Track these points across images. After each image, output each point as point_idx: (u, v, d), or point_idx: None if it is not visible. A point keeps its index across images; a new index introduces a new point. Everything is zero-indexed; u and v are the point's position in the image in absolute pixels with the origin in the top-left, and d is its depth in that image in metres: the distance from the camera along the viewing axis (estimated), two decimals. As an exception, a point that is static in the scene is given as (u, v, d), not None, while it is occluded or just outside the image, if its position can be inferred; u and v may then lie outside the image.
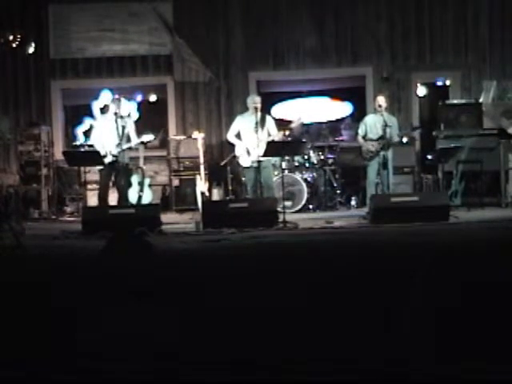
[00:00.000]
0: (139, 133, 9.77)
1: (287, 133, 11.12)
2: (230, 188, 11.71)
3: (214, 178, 11.99)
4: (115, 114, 9.61)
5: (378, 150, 9.74)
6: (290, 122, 11.75)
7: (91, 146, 9.99)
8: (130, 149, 9.67)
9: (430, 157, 10.90)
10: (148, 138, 9.69)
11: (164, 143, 12.93)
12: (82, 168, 10.06)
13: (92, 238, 7.95)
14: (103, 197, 9.68)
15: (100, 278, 5.03)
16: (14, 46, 10.68)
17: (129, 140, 9.51)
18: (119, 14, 13.01)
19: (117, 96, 10.37)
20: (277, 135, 9.77)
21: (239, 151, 9.76)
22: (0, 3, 12.64)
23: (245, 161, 9.70)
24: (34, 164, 12.23)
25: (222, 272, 5.34)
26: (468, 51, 12.94)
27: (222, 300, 4.20)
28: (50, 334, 3.53)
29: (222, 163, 11.55)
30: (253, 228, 8.45)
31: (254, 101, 9.70)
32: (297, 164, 11.53)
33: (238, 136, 9.81)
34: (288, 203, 10.44)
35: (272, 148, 9.21)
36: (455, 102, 12.30)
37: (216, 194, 11.91)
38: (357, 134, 10.36)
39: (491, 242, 6.81)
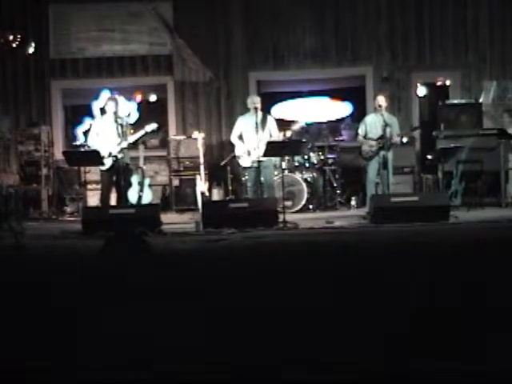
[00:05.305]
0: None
1: (288, 134, 11.13)
2: (230, 188, 11.72)
3: (214, 178, 11.99)
4: (114, 113, 9.63)
5: (378, 149, 9.74)
6: (290, 122, 11.78)
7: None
8: (129, 147, 9.69)
9: (429, 157, 10.90)
10: (151, 127, 9.73)
11: (164, 143, 12.94)
12: (82, 168, 10.07)
13: (92, 237, 7.95)
14: (106, 198, 9.69)
15: (100, 278, 5.03)
16: (14, 46, 10.68)
17: (126, 139, 9.54)
18: (119, 13, 13.01)
19: (113, 95, 10.40)
20: (278, 136, 9.79)
21: (239, 152, 9.77)
22: (0, 3, 12.64)
23: (245, 161, 9.71)
24: (34, 164, 12.23)
25: (222, 272, 5.34)
26: (468, 51, 12.94)
27: (222, 300, 4.20)
28: (50, 334, 3.53)
29: (222, 163, 11.55)
30: (253, 228, 8.45)
31: (254, 101, 9.70)
32: (297, 164, 11.53)
33: (241, 137, 9.82)
34: (288, 203, 10.44)
35: (272, 148, 9.21)
36: (455, 102, 12.30)
37: (216, 194, 11.91)
38: (357, 134, 10.38)
39: (491, 242, 6.81)
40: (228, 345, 3.26)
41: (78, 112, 12.76)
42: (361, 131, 10.13)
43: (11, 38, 10.57)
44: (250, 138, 9.62)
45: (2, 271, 5.82)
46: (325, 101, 13.18)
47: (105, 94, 11.32)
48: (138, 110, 12.16)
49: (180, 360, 3.05)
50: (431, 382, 2.73)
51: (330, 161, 11.87)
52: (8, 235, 7.72)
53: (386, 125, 9.62)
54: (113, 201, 10.01)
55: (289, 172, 11.18)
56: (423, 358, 2.94)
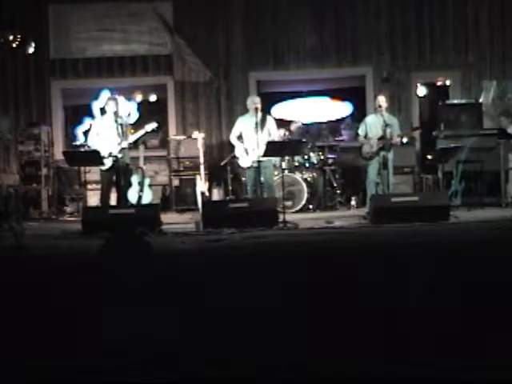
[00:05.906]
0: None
1: (286, 134, 11.13)
2: (230, 188, 11.71)
3: (213, 178, 11.99)
4: (114, 113, 9.63)
5: (378, 150, 9.74)
6: (290, 122, 11.79)
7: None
8: (129, 147, 9.69)
9: (429, 157, 10.89)
10: (151, 126, 9.74)
11: (164, 143, 12.94)
12: (82, 168, 10.08)
13: (92, 238, 7.94)
14: (106, 198, 9.68)
15: (100, 278, 5.03)
16: (14, 45, 10.68)
17: (127, 139, 9.55)
18: (119, 13, 13.01)
19: (113, 95, 10.41)
20: (277, 136, 9.80)
21: (239, 152, 9.77)
22: (0, 3, 12.64)
23: (244, 161, 9.71)
24: (34, 164, 12.23)
25: (221, 272, 5.34)
26: (468, 51, 12.94)
27: (222, 300, 4.20)
28: (50, 334, 3.53)
29: (222, 163, 11.55)
30: (253, 228, 8.44)
31: (254, 101, 9.69)
32: (297, 164, 11.53)
33: (240, 137, 9.82)
34: (288, 203, 10.44)
35: (272, 148, 9.21)
36: (455, 102, 12.30)
37: (216, 194, 11.91)
38: (357, 134, 10.37)
39: (491, 242, 6.81)
40: (227, 344, 3.26)
41: (78, 112, 12.76)
42: (361, 131, 10.12)
43: (11, 37, 10.57)
44: (249, 138, 9.62)
45: (2, 271, 5.82)
46: (325, 101, 13.18)
47: (105, 94, 11.32)
48: (138, 109, 12.16)
49: (180, 360, 3.05)
50: (431, 382, 2.73)
51: (329, 161, 11.87)
52: (8, 235, 7.72)
53: (386, 125, 9.61)
54: (113, 201, 10.01)
55: (289, 172, 11.18)
56: (423, 358, 2.94)
